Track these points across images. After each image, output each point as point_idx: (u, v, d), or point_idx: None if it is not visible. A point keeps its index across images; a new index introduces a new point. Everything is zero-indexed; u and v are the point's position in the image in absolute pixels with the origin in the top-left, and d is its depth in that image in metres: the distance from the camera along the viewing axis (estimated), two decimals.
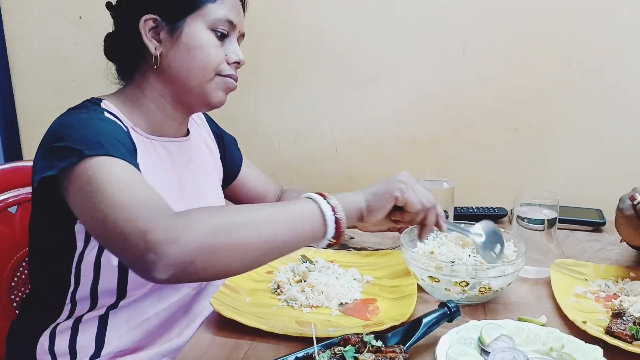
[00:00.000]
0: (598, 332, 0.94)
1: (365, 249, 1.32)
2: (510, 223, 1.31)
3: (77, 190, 0.85)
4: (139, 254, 0.75)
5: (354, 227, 1.06)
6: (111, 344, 1.01)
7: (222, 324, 0.99)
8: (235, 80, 1.09)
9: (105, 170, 0.84)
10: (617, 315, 0.97)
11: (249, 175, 1.39)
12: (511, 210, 1.40)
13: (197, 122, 1.27)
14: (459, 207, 1.52)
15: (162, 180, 1.05)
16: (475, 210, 1.54)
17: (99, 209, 0.81)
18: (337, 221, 0.86)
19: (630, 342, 0.92)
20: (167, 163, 1.09)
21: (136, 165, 0.91)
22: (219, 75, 1.05)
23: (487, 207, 1.55)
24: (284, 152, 1.79)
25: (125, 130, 0.99)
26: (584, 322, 0.97)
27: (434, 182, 1.37)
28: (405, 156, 1.72)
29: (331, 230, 0.86)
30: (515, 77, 1.63)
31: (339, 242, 0.89)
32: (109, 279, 0.99)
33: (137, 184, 0.85)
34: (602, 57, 1.59)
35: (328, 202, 0.87)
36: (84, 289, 1.00)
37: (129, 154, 0.92)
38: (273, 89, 1.75)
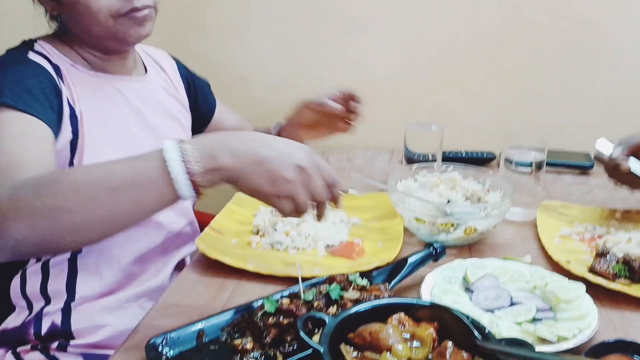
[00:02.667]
0: (581, 271, 0.95)
1: (352, 192, 1.31)
2: (499, 167, 1.31)
3: None
4: None
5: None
6: (84, 288, 1.01)
7: (208, 265, 0.99)
8: (146, 8, 1.00)
9: None
10: (601, 254, 0.98)
11: (223, 119, 1.37)
12: (500, 154, 1.39)
13: (164, 66, 1.23)
14: (448, 152, 1.50)
15: (111, 117, 1.03)
16: (463, 154, 1.53)
17: None
18: (193, 183, 0.72)
19: (613, 280, 0.93)
20: (119, 102, 1.07)
21: (44, 118, 0.88)
22: (120, 16, 0.98)
23: (476, 152, 1.54)
24: (271, 98, 1.76)
25: (50, 73, 0.96)
26: (568, 262, 0.97)
27: (422, 125, 1.35)
28: (394, 102, 1.70)
29: (187, 196, 0.73)
30: (506, 24, 1.60)
31: (199, 198, 0.75)
32: None
33: (4, 145, 0.82)
34: (593, 4, 1.57)
35: (181, 152, 0.72)
36: None
37: (34, 99, 0.89)
38: (259, 34, 1.71)
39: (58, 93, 0.95)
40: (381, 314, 0.73)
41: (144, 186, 0.72)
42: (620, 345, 0.76)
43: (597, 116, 1.64)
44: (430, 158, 1.34)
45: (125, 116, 1.07)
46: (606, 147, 1.12)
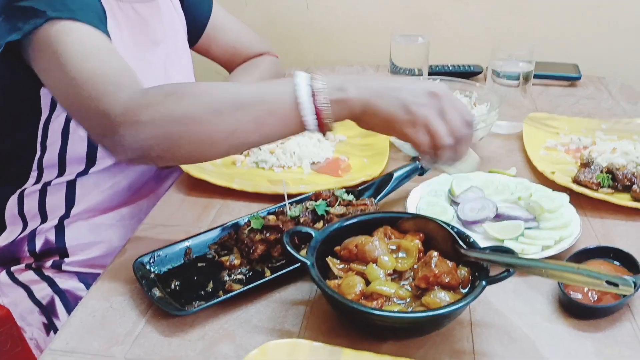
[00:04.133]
0: (566, 181, 0.95)
1: None
2: (485, 80, 1.28)
3: (41, 58, 0.81)
4: (99, 133, 0.75)
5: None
6: (80, 205, 1.01)
7: (193, 185, 0.98)
8: None
9: (70, 38, 0.78)
10: (586, 164, 0.98)
11: (219, 32, 1.29)
12: (487, 68, 1.36)
13: None
14: (434, 65, 1.47)
15: (133, 48, 0.99)
16: (450, 67, 1.49)
17: (63, 81, 0.77)
18: (317, 112, 0.70)
19: (596, 190, 0.94)
20: (140, 34, 1.01)
21: (105, 32, 0.84)
22: None
23: (463, 65, 1.51)
24: (251, 10, 1.69)
25: None
26: (553, 173, 0.98)
27: (408, 37, 1.31)
28: (379, 11, 1.64)
29: (311, 125, 0.71)
30: None
31: (324, 132, 0.74)
32: (77, 147, 0.96)
33: (102, 54, 0.79)
34: None
35: (311, 86, 0.71)
36: (51, 156, 0.97)
37: (98, 18, 0.84)
38: None
39: (104, 14, 0.91)
40: (367, 227, 0.73)
41: (270, 109, 0.72)
42: (602, 251, 0.78)
43: (585, 24, 1.60)
44: (417, 72, 1.31)
45: (148, 46, 1.03)
46: None
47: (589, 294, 0.71)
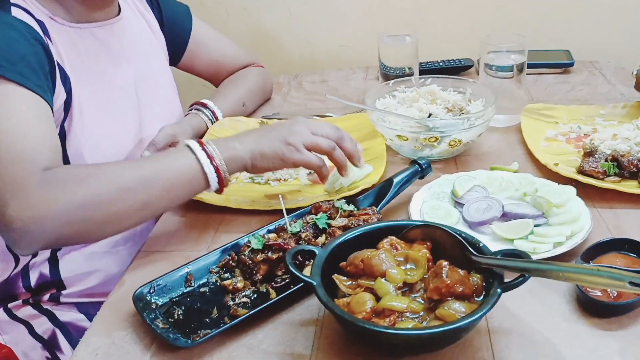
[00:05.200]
0: (570, 172, 0.93)
1: (329, 116, 1.27)
2: (478, 74, 1.26)
3: None
4: (1, 227, 0.73)
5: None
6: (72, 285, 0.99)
7: (188, 205, 0.94)
8: None
9: None
10: (589, 153, 0.96)
11: (202, 48, 1.27)
12: (477, 60, 1.34)
13: None
14: (424, 62, 1.45)
15: (94, 75, 0.97)
16: (441, 63, 1.47)
17: None
18: (217, 171, 0.81)
19: (602, 179, 0.91)
20: (100, 55, 0.99)
21: (36, 88, 0.82)
22: None
23: (453, 60, 1.48)
24: (233, 22, 1.66)
25: (38, 33, 0.87)
26: (556, 165, 0.95)
27: (395, 38, 1.28)
28: (364, 13, 1.62)
29: (214, 183, 0.82)
30: None
31: (221, 191, 0.84)
32: None
33: (18, 127, 0.77)
34: None
35: (206, 151, 0.81)
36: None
37: (32, 71, 0.82)
38: None
39: (49, 55, 0.87)
40: (372, 239, 0.70)
41: (175, 176, 0.80)
42: (616, 244, 0.75)
43: (575, 8, 1.57)
44: (407, 71, 1.29)
45: (108, 68, 1.00)
46: None
47: (608, 290, 0.68)
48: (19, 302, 0.99)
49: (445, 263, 0.64)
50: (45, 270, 0.97)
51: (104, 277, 0.99)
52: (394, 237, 0.70)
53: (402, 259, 0.67)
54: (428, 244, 0.69)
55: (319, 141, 0.86)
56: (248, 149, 0.84)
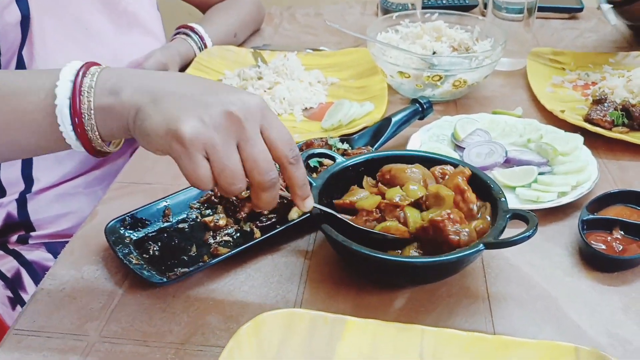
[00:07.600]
0: (577, 120, 0.88)
1: (323, 49, 1.19)
2: (483, 15, 1.18)
3: None
4: None
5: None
6: (41, 177, 0.91)
7: None
8: None
9: None
10: (598, 102, 0.90)
11: None
12: (484, 2, 1.26)
13: None
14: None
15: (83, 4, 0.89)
16: (444, 1, 1.39)
17: None
18: (77, 121, 0.52)
19: (610, 129, 0.86)
20: None
21: None
22: None
23: None
24: None
25: None
26: (563, 111, 0.90)
27: None
28: None
29: (71, 138, 0.53)
30: None
31: (92, 152, 0.55)
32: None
33: None
34: None
35: (72, 82, 0.52)
36: None
37: None
38: None
39: None
40: (369, 169, 0.68)
41: (21, 108, 0.53)
42: (623, 196, 0.71)
43: None
44: (410, 7, 1.20)
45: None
46: None
47: (613, 244, 0.64)
48: None
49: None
50: (13, 210, 0.91)
51: (78, 220, 0.93)
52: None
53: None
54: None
55: (258, 156, 0.52)
56: (137, 105, 0.51)
